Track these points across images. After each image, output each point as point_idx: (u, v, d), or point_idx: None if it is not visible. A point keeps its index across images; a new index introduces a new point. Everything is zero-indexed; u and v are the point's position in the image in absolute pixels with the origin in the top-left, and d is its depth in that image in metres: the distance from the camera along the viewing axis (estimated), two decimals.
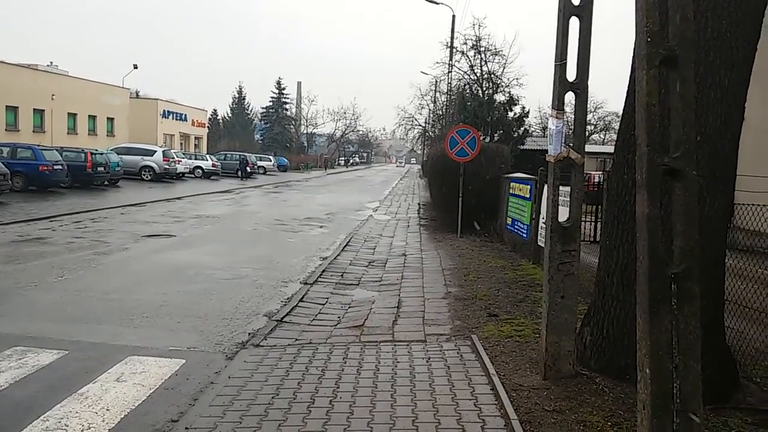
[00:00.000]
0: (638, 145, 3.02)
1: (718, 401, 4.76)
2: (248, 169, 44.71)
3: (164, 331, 6.67)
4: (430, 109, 52.33)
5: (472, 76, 34.87)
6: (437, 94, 48.50)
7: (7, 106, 32.04)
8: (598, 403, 4.68)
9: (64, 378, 5.15)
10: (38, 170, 22.24)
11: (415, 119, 56.55)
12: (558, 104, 4.70)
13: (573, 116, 4.82)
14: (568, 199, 8.56)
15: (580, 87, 4.69)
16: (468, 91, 35.67)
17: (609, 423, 4.33)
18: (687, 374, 2.93)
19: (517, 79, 31.88)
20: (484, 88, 33.91)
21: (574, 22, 4.62)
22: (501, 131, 30.42)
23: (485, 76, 33.87)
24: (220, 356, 5.94)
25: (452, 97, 39.83)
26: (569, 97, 4.85)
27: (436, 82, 45.57)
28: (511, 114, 31.09)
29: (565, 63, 4.59)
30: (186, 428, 4.25)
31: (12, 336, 6.16)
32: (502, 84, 33.45)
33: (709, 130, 4.70)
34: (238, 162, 45.24)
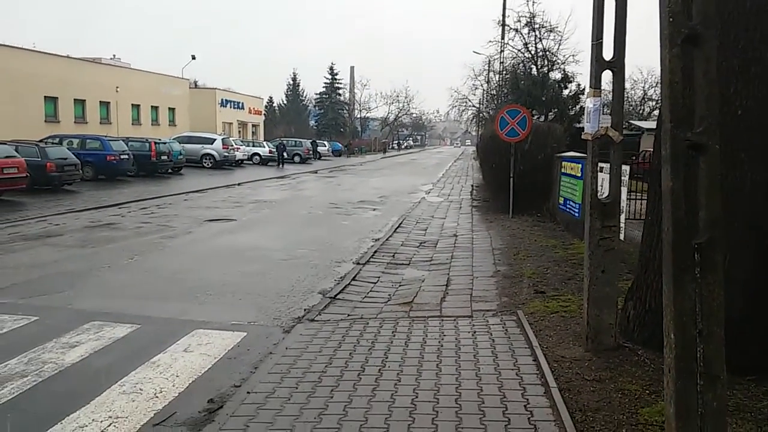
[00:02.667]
0: (663, 122, 3.15)
1: (761, 372, 4.81)
2: (285, 155, 42.57)
3: (226, 307, 7.14)
4: (483, 90, 51.71)
5: (526, 54, 34.31)
6: (491, 74, 47.89)
7: (75, 99, 33.68)
8: (639, 374, 4.82)
9: (137, 349, 5.66)
10: (106, 160, 23.42)
11: (469, 100, 55.93)
12: (595, 83, 4.80)
13: (611, 94, 4.91)
14: (623, 178, 8.58)
15: (617, 65, 4.78)
16: (521, 69, 35.17)
17: (647, 391, 4.47)
18: (710, 339, 3.06)
19: (573, 55, 31.14)
20: (539, 66, 33.35)
21: (610, 2, 4.70)
22: (556, 110, 29.93)
23: (540, 53, 33.28)
24: (278, 330, 6.35)
25: (506, 76, 39.33)
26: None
27: (489, 61, 44.95)
28: (566, 92, 30.49)
29: (602, 42, 4.68)
30: (248, 392, 4.64)
31: (89, 312, 6.74)
32: (558, 61, 32.79)
33: (750, 103, 4.71)
34: (276, 148, 42.67)
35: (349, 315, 6.93)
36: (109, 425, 4.15)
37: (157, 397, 4.63)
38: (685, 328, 3.08)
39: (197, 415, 4.37)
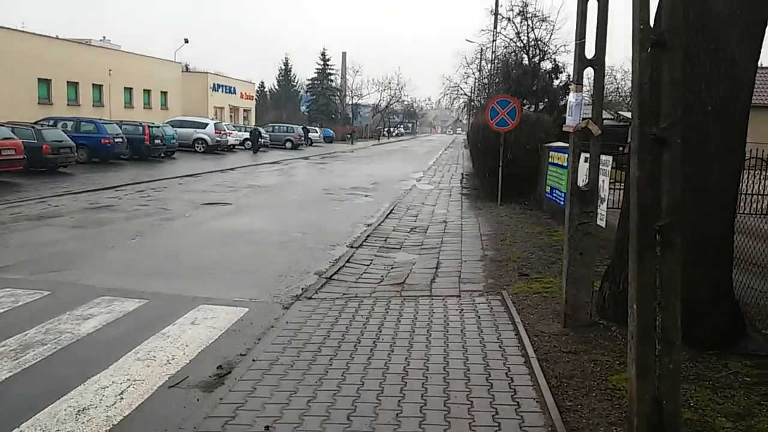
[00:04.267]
0: (632, 118, 3.56)
1: (723, 347, 5.27)
2: (261, 142, 40.70)
3: (228, 285, 7.53)
4: (475, 78, 52.03)
5: (518, 44, 34.62)
6: (483, 63, 48.19)
7: (68, 81, 33.69)
8: (611, 347, 5.28)
9: (147, 321, 6.04)
10: (101, 143, 23.61)
11: (461, 88, 56.23)
12: (577, 79, 5.21)
13: (592, 90, 5.31)
14: (605, 167, 9.01)
15: (598, 63, 5.18)
16: (513, 59, 35.45)
17: (618, 362, 4.92)
18: (668, 309, 3.49)
19: (564, 45, 31.43)
20: (531, 56, 33.68)
21: (593, 5, 5.09)
22: (546, 100, 30.34)
23: (532, 43, 33.62)
24: (277, 306, 6.75)
25: (497, 65, 39.63)
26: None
27: (482, 50, 45.20)
28: (556, 82, 30.89)
29: (584, 42, 5.08)
30: (253, 360, 5.05)
31: (98, 288, 7.11)
32: (549, 51, 33.13)
33: (718, 102, 5.13)
34: (249, 134, 41.12)
35: (344, 294, 7.33)
36: (128, 387, 4.55)
37: (169, 363, 5.03)
38: (647, 299, 3.51)
39: (208, 379, 4.77)
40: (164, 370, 4.88)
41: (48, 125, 22.51)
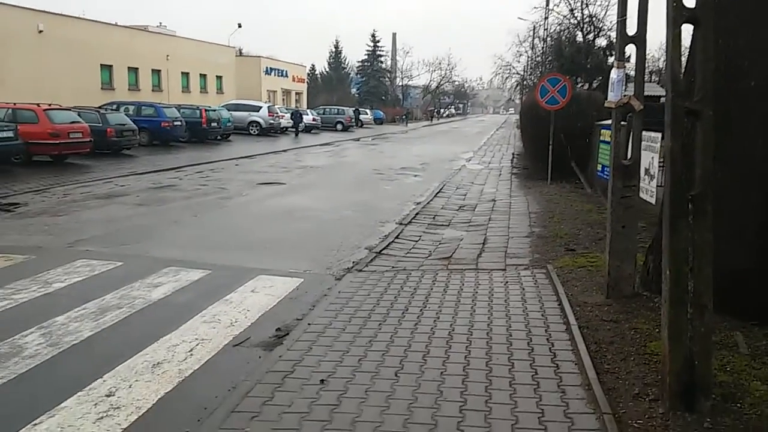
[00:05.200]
0: (666, 92, 3.72)
1: (764, 318, 5.34)
2: (303, 125, 39.61)
3: (284, 258, 7.97)
4: (528, 57, 51.25)
5: (571, 21, 33.96)
6: (535, 41, 47.42)
7: (129, 67, 35.00)
8: (651, 316, 5.43)
9: (211, 289, 6.52)
10: (161, 126, 24.56)
11: (513, 67, 55.51)
12: (619, 55, 5.33)
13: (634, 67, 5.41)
14: (653, 144, 8.98)
15: (639, 40, 5.28)
16: (566, 36, 34.80)
17: (657, 330, 5.07)
18: (700, 274, 3.67)
19: None
20: (585, 33, 33.01)
21: None
22: (600, 78, 29.74)
23: (586, 19, 32.92)
24: (330, 278, 7.13)
25: (550, 43, 38.95)
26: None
27: (534, 27, 44.60)
28: (611, 60, 30.22)
29: (626, 19, 5.18)
30: (308, 324, 5.44)
31: (165, 259, 7.66)
32: (604, 28, 32.39)
33: (760, 78, 5.16)
34: (291, 116, 38.95)
35: (393, 267, 7.65)
36: (197, 345, 5.01)
37: (233, 325, 5.48)
38: (679, 265, 3.70)
39: (268, 339, 5.19)
40: (228, 332, 5.33)
41: (111, 109, 23.58)
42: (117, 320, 5.55)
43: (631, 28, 5.27)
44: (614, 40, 21.72)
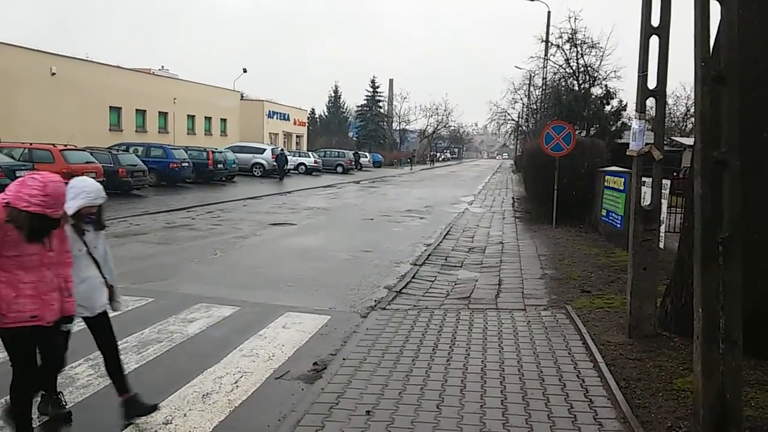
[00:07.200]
0: (695, 143, 4.05)
1: None
2: (287, 168, 36.07)
3: (307, 296, 8.19)
4: (523, 104, 52.47)
5: (567, 70, 34.85)
6: (531, 89, 48.60)
7: (137, 109, 35.70)
8: (674, 355, 5.67)
9: (244, 324, 6.73)
10: (169, 167, 24.98)
11: (508, 114, 56.76)
12: (640, 108, 5.70)
13: (654, 118, 5.79)
14: (664, 191, 9.34)
15: (659, 93, 5.67)
16: (563, 84, 35.70)
17: (681, 368, 5.31)
18: (730, 312, 3.93)
19: (614, 71, 31.57)
20: (580, 82, 33.87)
21: (654, 40, 5.60)
22: (597, 125, 30.47)
23: (581, 69, 33.81)
24: (356, 315, 7.35)
25: (547, 91, 39.91)
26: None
27: (530, 76, 45.68)
28: (608, 108, 31.01)
29: (647, 74, 5.58)
30: (343, 359, 5.64)
31: (194, 296, 7.86)
32: (599, 77, 33.27)
33: None
34: (276, 159, 34.89)
35: (415, 306, 7.87)
36: (241, 377, 5.20)
37: (271, 359, 5.68)
38: (711, 303, 3.96)
39: (307, 373, 5.38)
40: (268, 365, 5.52)
41: (121, 150, 24.00)
42: (160, 353, 5.74)
43: (651, 82, 5.66)
44: (611, 90, 22.47)
